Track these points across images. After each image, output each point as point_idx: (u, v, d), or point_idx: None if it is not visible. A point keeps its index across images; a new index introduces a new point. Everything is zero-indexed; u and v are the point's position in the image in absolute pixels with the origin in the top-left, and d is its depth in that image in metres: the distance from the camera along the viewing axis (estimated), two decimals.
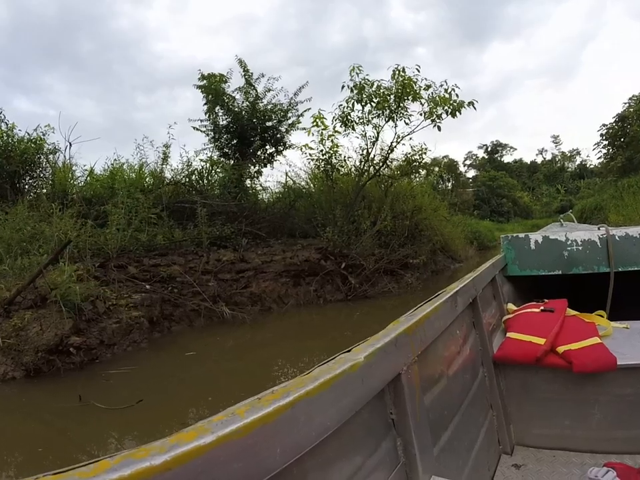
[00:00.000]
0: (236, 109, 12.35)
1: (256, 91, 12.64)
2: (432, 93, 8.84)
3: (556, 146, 51.82)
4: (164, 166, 11.30)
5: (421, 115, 8.94)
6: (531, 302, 2.43)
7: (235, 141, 12.67)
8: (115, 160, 10.73)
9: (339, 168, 9.62)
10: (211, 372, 5.28)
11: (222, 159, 13.23)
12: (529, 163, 50.87)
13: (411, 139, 9.21)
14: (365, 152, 9.40)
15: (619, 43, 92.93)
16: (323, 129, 9.26)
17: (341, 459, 0.86)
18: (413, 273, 10.12)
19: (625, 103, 25.00)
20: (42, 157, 9.90)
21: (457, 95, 8.57)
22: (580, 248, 2.81)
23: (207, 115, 13.00)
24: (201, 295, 7.53)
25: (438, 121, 8.81)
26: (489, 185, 36.14)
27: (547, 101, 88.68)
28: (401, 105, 9.12)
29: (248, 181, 12.67)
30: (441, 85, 8.76)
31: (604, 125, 26.62)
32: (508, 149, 51.01)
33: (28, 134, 9.66)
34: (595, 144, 27.56)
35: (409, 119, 9.26)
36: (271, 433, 0.63)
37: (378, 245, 9.73)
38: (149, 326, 6.33)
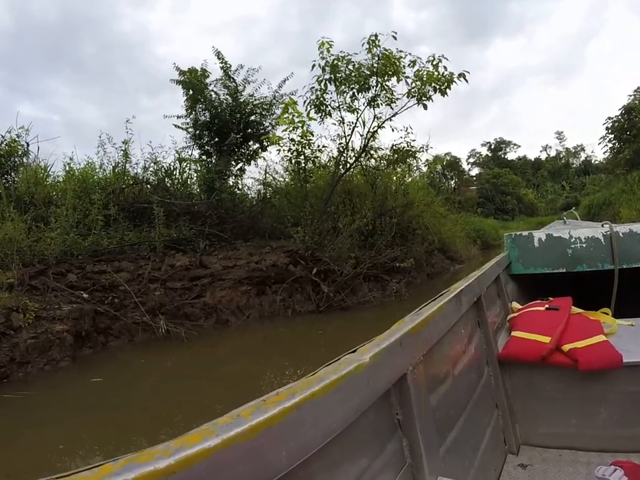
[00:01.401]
0: (216, 103, 11.22)
1: (235, 83, 11.49)
2: (419, 69, 7.29)
3: (560, 142, 50.14)
4: (127, 164, 10.04)
5: (406, 96, 7.40)
6: (535, 300, 2.37)
7: (216, 139, 11.39)
8: (71, 159, 9.65)
9: (314, 160, 8.06)
10: (124, 404, 4.21)
11: (203, 156, 12.10)
12: (532, 159, 49.05)
13: (390, 119, 7.64)
14: (343, 140, 7.88)
15: (622, 39, 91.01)
16: (295, 116, 7.74)
17: (347, 461, 0.82)
18: (403, 277, 8.55)
19: (630, 95, 23.98)
20: (15, 159, 9.06)
21: (444, 68, 7.00)
22: (584, 245, 2.76)
23: (187, 111, 11.77)
24: (142, 305, 6.46)
25: (425, 99, 7.24)
26: (492, 183, 34.58)
27: (550, 98, 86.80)
28: (384, 85, 7.59)
29: (231, 179, 11.57)
30: (429, 61, 7.20)
31: (609, 118, 25.65)
32: (512, 146, 49.24)
33: (2, 136, 8.79)
34: (601, 138, 26.35)
35: (394, 101, 7.72)
36: (277, 435, 0.60)
37: (361, 246, 8.18)
38: (73, 342, 5.45)
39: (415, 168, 12.72)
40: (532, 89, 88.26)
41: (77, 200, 7.74)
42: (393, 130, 7.58)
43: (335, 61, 7.24)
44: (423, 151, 11.48)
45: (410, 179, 11.95)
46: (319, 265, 7.06)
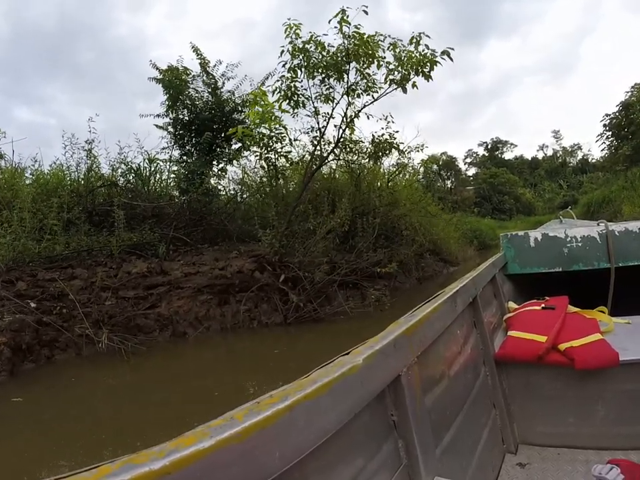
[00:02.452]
0: (197, 102, 10.45)
1: (214, 79, 10.68)
2: (399, 52, 6.34)
3: (557, 141, 49.01)
4: (93, 165, 9.33)
5: (385, 80, 6.45)
6: (531, 300, 2.33)
7: (198, 138, 10.60)
8: (36, 161, 9.03)
9: (286, 155, 7.11)
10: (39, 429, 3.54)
11: (184, 157, 11.31)
12: (529, 159, 47.94)
13: (365, 107, 6.67)
14: (318, 132, 6.93)
15: (617, 38, 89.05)
16: (265, 108, 6.80)
17: (342, 462, 0.81)
18: (388, 283, 7.59)
19: (628, 92, 23.24)
20: None
21: (426, 47, 6.04)
22: (580, 244, 2.72)
23: (167, 110, 10.98)
24: (88, 317, 5.76)
25: (405, 83, 6.30)
26: (489, 182, 33.74)
27: (546, 98, 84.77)
28: (363, 72, 6.66)
29: (213, 180, 10.75)
30: (411, 43, 6.26)
31: (607, 115, 25.00)
32: (508, 145, 48.10)
33: None
34: (598, 135, 25.59)
35: (372, 88, 6.79)
36: (270, 436, 0.60)
37: (339, 250, 7.26)
38: (11, 355, 4.88)
39: (410, 167, 11.77)
40: (528, 89, 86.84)
41: (34, 204, 7.16)
42: (368, 117, 6.64)
43: (305, 45, 6.30)
44: (418, 150, 10.68)
45: (400, 175, 11.00)
46: (287, 272, 6.12)
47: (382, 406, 0.97)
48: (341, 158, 7.32)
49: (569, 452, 1.66)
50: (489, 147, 47.50)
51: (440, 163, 33.15)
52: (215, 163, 10.77)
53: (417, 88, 6.65)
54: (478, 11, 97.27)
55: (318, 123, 6.82)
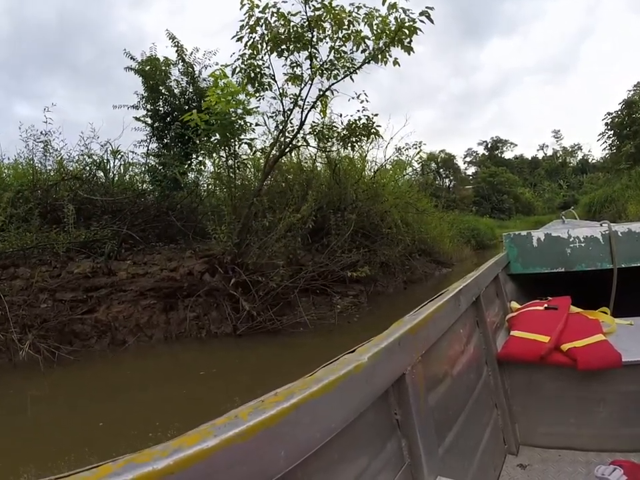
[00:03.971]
0: (175, 92, 9.69)
1: (192, 68, 9.87)
2: (373, 20, 5.30)
3: (557, 141, 47.76)
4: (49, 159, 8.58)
5: (355, 48, 5.40)
6: (534, 300, 2.26)
7: (178, 130, 9.76)
8: None
9: (249, 143, 6.07)
10: None
11: (163, 150, 10.41)
12: (529, 158, 46.61)
13: (334, 82, 5.61)
14: (283, 116, 5.89)
15: (618, 38, 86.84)
16: (225, 89, 5.77)
17: (345, 461, 0.78)
18: (364, 288, 6.57)
19: (630, 90, 22.51)
20: None
21: (402, 11, 4.97)
22: (582, 245, 2.66)
23: (144, 101, 10.10)
24: (18, 320, 5.10)
25: (380, 53, 5.27)
26: (489, 182, 32.63)
27: (547, 97, 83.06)
28: (334, 42, 5.64)
29: (192, 175, 9.84)
30: (384, 3, 5.19)
31: (609, 114, 24.13)
32: (508, 145, 46.65)
33: None
34: (600, 134, 24.81)
35: (347, 67, 5.76)
36: (275, 435, 0.57)
37: (309, 250, 6.24)
38: None
39: (396, 159, 10.71)
40: (529, 88, 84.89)
41: None
42: (332, 93, 5.57)
43: (264, 10, 5.26)
44: (416, 148, 9.62)
45: (388, 167, 9.92)
46: (238, 275, 5.11)
47: (386, 405, 0.94)
48: (312, 145, 6.29)
49: (570, 453, 1.62)
50: (489, 146, 46.16)
51: (438, 161, 32.01)
52: (194, 156, 9.97)
53: (399, 65, 5.64)
54: (480, 9, 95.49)
55: (283, 106, 5.80)
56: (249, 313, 4.93)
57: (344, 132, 5.88)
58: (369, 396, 0.81)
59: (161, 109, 10.00)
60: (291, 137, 5.64)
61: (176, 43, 9.72)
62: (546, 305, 2.11)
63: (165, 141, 10.22)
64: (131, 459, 0.44)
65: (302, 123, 5.61)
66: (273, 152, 5.87)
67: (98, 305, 5.70)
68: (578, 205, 22.98)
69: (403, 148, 9.73)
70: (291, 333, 5.05)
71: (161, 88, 9.56)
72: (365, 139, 5.86)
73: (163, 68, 9.56)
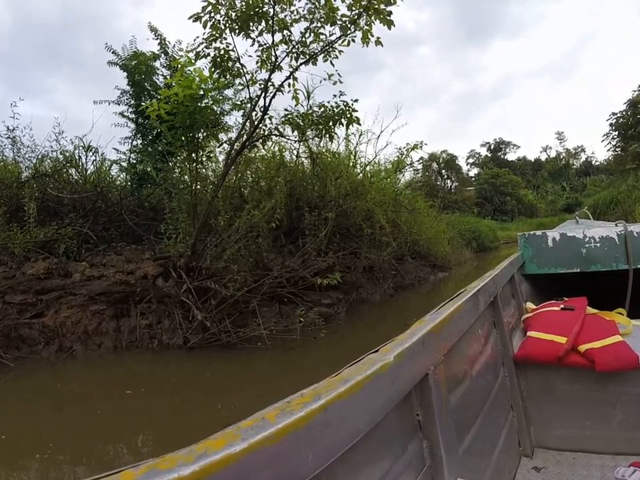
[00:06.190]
0: (161, 85, 8.85)
1: (175, 60, 9.32)
2: None
3: (560, 143, 46.57)
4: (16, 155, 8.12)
5: (326, 23, 4.69)
6: (549, 300, 2.23)
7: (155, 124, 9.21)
8: None
9: (214, 133, 5.37)
10: None
11: (149, 148, 9.82)
12: (532, 160, 45.49)
13: (302, 63, 4.88)
14: (250, 104, 5.18)
15: (621, 41, 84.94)
16: (190, 77, 5.09)
17: (369, 463, 0.75)
18: (343, 296, 5.84)
19: (635, 91, 21.88)
20: None
21: None
22: (598, 245, 2.60)
23: (128, 96, 9.52)
24: None
25: (351, 26, 4.57)
26: (491, 183, 31.75)
27: (550, 99, 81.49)
28: (314, 30, 4.95)
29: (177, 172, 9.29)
30: None
31: (613, 114, 23.40)
32: (511, 146, 45.57)
33: None
34: (604, 135, 24.18)
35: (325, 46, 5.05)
36: (303, 438, 0.54)
37: (281, 252, 5.53)
38: None
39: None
40: (532, 90, 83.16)
41: None
42: (294, 71, 4.82)
43: None
44: (418, 148, 8.90)
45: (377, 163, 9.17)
46: (191, 281, 4.42)
47: (408, 405, 0.90)
48: (286, 136, 5.56)
49: (585, 456, 1.58)
50: (492, 147, 45.12)
51: (440, 161, 31.18)
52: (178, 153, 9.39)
53: (382, 45, 4.94)
54: (484, 11, 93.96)
55: (249, 92, 5.10)
56: (201, 323, 4.25)
57: (319, 119, 5.16)
58: (394, 396, 0.78)
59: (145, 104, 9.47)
60: (254, 126, 4.92)
61: (159, 36, 9.21)
62: (562, 306, 2.06)
63: (149, 137, 9.69)
64: (153, 465, 0.41)
65: (266, 109, 4.89)
66: (237, 144, 5.17)
67: (47, 309, 5.12)
68: (582, 207, 22.18)
69: (403, 147, 9.09)
70: (247, 348, 4.33)
71: (145, 84, 9.04)
72: (343, 126, 5.15)
73: (150, 63, 9.08)
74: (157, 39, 9.20)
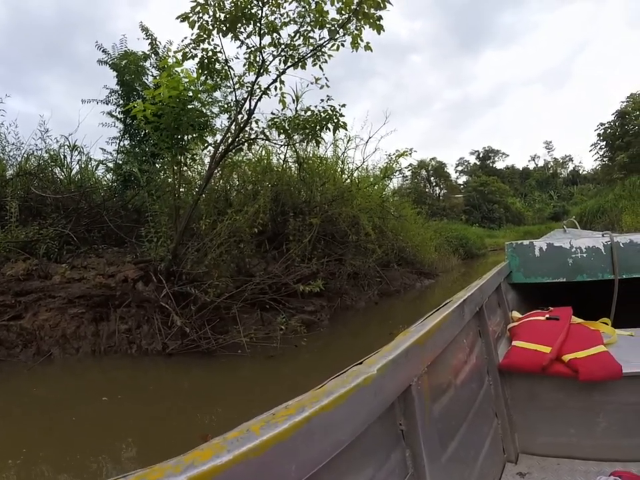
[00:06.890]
0: (151, 85, 8.94)
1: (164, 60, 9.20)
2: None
3: (548, 152, 47.19)
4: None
5: (315, 26, 4.66)
6: (535, 309, 2.24)
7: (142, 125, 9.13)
8: None
9: (201, 135, 5.29)
10: None
11: (137, 149, 9.69)
12: (521, 169, 45.99)
13: (289, 66, 4.83)
14: (237, 107, 5.12)
15: (610, 51, 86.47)
16: (176, 78, 5.01)
17: (353, 473, 0.76)
18: (326, 303, 5.78)
19: (623, 102, 22.25)
20: None
21: None
22: (584, 255, 2.63)
23: (118, 96, 9.38)
24: None
25: (337, 29, 4.54)
26: (480, 191, 31.96)
27: (539, 109, 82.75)
28: (303, 34, 4.92)
29: (162, 174, 9.18)
30: None
31: (602, 124, 23.59)
32: (500, 155, 45.91)
33: None
34: (592, 145, 24.74)
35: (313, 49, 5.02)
36: (287, 449, 0.55)
37: (264, 257, 5.46)
38: None
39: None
40: (522, 100, 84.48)
41: None
42: (280, 74, 4.76)
43: None
44: (407, 154, 8.88)
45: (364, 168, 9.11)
46: (170, 286, 4.34)
47: (391, 415, 0.91)
48: (272, 140, 5.51)
49: (569, 462, 1.60)
50: (481, 155, 45.46)
51: (429, 168, 31.35)
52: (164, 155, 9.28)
53: (372, 50, 4.94)
54: (477, 20, 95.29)
55: (235, 95, 5.05)
56: (181, 329, 4.16)
57: (306, 124, 5.12)
58: (377, 408, 0.79)
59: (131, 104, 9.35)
60: (239, 129, 4.87)
61: (149, 36, 9.12)
62: (547, 315, 2.07)
63: (137, 138, 9.57)
64: (142, 475, 0.42)
65: (251, 112, 4.84)
66: (222, 146, 5.10)
67: (25, 311, 4.99)
68: (569, 215, 22.41)
69: (392, 154, 9.07)
70: (227, 356, 4.25)
71: (135, 84, 8.89)
72: (330, 131, 5.11)
73: (140, 63, 8.96)
74: (147, 38, 9.14)
